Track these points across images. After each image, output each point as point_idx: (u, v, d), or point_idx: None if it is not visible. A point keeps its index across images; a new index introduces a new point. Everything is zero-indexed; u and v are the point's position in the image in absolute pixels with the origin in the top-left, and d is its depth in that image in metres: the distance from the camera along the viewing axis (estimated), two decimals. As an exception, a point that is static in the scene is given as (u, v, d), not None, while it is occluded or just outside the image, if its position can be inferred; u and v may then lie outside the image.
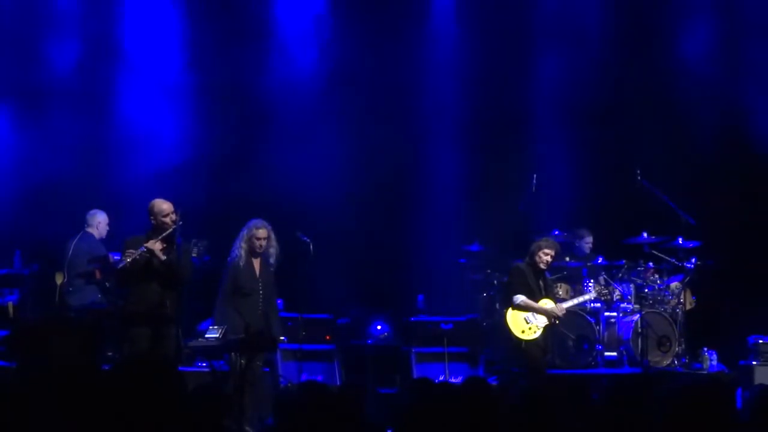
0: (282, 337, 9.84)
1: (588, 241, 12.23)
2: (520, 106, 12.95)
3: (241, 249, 9.67)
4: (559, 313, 10.27)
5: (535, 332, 10.16)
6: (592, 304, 11.48)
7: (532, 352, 10.15)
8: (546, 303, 10.28)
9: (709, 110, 12.51)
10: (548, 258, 10.24)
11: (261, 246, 9.65)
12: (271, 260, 9.74)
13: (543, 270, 10.34)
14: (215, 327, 9.18)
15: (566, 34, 12.87)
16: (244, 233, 9.71)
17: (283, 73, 12.69)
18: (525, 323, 10.17)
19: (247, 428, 8.82)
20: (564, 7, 13.09)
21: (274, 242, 9.73)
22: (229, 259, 9.74)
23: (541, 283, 10.32)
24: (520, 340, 10.15)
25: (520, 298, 10.21)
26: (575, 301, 10.88)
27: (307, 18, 13.02)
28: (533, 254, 10.24)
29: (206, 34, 12.71)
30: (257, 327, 9.28)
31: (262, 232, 9.66)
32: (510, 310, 10.21)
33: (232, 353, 9.21)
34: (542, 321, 10.20)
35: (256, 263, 9.71)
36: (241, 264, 9.64)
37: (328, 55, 12.85)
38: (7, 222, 11.72)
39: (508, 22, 12.98)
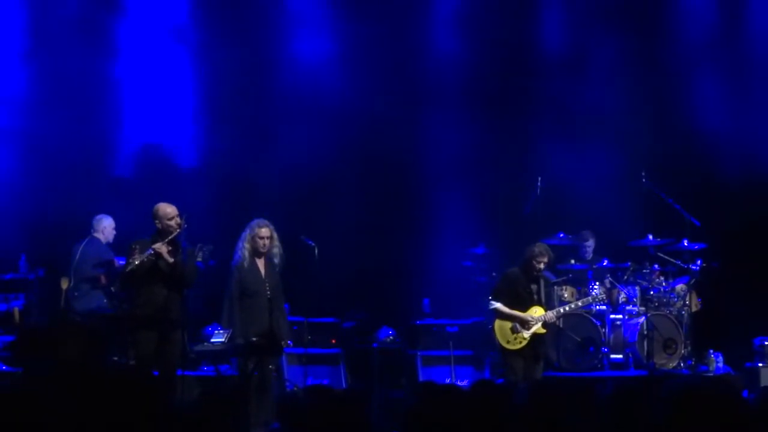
0: (288, 341, 9.80)
1: (590, 245, 12.18)
2: (525, 108, 12.93)
3: (244, 250, 9.60)
4: (532, 322, 10.04)
5: (521, 342, 10.03)
6: (597, 306, 11.43)
7: (511, 362, 10.05)
8: (535, 311, 10.16)
9: (714, 112, 12.48)
10: (541, 266, 10.12)
11: (264, 245, 9.58)
12: (276, 260, 9.67)
13: (537, 276, 10.24)
14: (221, 331, 9.16)
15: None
16: (247, 233, 9.65)
17: (287, 68, 12.62)
18: (511, 333, 10.04)
19: (257, 432, 8.81)
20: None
21: (277, 242, 9.67)
22: (232, 261, 9.69)
23: (533, 289, 10.19)
24: (504, 349, 10.09)
25: (495, 304, 10.12)
26: (564, 308, 10.61)
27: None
28: (527, 261, 10.13)
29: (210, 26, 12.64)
30: (265, 330, 9.21)
31: (264, 231, 9.60)
32: (497, 319, 10.13)
33: (241, 358, 9.17)
34: (528, 330, 10.09)
35: (261, 264, 9.65)
36: (246, 265, 9.58)
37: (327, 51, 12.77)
38: (13, 226, 11.70)
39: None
